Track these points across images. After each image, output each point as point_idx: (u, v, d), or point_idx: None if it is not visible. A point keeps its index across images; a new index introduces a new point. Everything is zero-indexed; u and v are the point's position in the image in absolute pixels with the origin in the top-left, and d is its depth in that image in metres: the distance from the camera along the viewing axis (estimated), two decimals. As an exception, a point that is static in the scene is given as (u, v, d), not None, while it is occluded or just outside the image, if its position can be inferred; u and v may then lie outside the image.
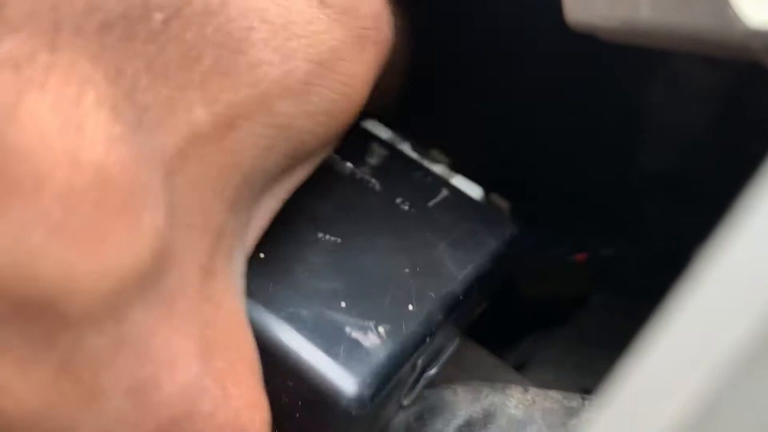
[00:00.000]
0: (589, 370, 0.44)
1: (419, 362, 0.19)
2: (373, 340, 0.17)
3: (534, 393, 0.24)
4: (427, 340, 0.18)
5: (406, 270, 0.19)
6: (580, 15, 0.11)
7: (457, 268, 0.20)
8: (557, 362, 0.46)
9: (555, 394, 0.24)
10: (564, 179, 0.27)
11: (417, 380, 0.21)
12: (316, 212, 0.19)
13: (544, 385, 0.27)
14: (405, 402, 0.20)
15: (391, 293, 0.18)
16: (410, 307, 0.18)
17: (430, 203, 0.21)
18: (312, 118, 0.16)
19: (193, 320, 0.15)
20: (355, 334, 0.17)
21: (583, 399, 0.24)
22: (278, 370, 0.17)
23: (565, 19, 0.12)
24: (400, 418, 0.21)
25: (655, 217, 0.36)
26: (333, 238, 0.19)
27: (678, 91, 0.22)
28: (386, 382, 0.17)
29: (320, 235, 0.19)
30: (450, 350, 0.22)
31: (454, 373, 0.36)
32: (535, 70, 0.23)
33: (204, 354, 0.15)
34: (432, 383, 0.21)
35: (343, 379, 0.16)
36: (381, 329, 0.17)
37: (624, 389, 0.07)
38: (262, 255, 0.18)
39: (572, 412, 0.23)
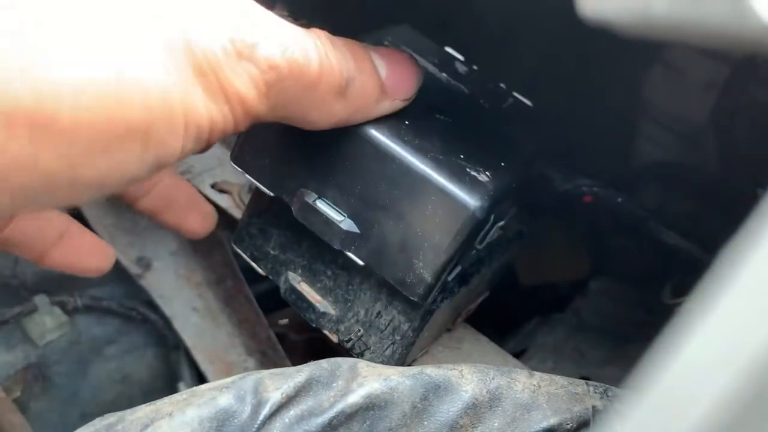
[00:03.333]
0: (588, 357, 0.45)
1: (492, 216, 0.27)
2: (483, 178, 0.26)
3: (539, 378, 0.24)
4: (511, 187, 0.27)
5: (494, 143, 0.29)
6: (593, 9, 0.11)
7: (523, 150, 0.30)
8: (556, 349, 0.46)
9: (560, 380, 0.25)
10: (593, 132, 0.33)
11: (491, 228, 0.28)
12: (431, 103, 0.28)
13: (543, 372, 0.27)
14: (479, 246, 0.28)
15: (488, 155, 0.27)
16: (502, 163, 0.27)
17: (504, 105, 0.32)
18: None
19: None
20: (473, 173, 0.26)
21: (588, 386, 0.24)
22: (424, 195, 0.25)
23: (578, 14, 0.12)
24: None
25: (652, 204, 0.36)
26: (446, 119, 0.28)
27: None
28: (492, 205, 0.26)
29: (438, 116, 0.28)
30: (510, 215, 0.30)
31: (454, 360, 0.36)
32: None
33: None
34: (495, 239, 0.30)
35: (471, 197, 0.25)
36: (487, 173, 0.26)
37: (656, 386, 0.07)
38: (407, 122, 0.27)
39: (577, 399, 0.23)
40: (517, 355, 0.46)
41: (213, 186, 0.41)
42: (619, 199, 0.32)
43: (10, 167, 0.17)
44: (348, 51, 0.23)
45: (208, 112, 0.19)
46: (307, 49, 0.21)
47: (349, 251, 0.28)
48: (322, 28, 0.23)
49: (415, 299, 0.27)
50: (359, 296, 0.30)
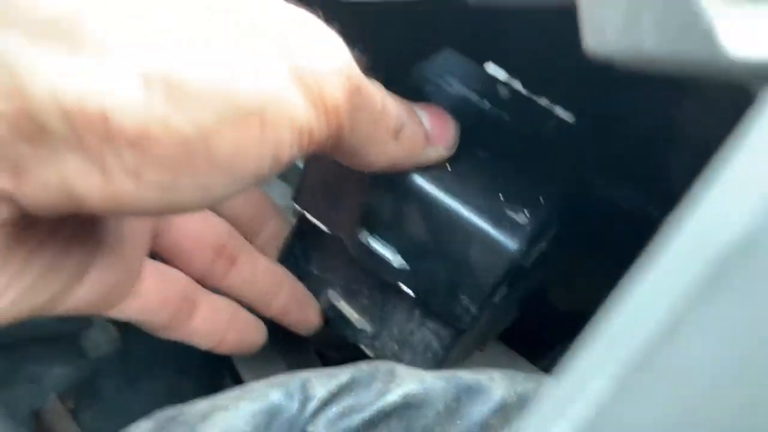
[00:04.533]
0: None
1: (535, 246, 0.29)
2: (522, 219, 0.27)
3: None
4: (550, 221, 0.29)
5: (534, 176, 0.30)
6: (596, 47, 0.14)
7: (564, 177, 0.31)
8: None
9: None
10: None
11: (532, 253, 0.30)
12: (472, 139, 0.29)
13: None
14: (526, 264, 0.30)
15: (528, 192, 0.29)
16: (541, 199, 0.29)
17: (544, 126, 0.32)
18: None
19: None
20: (511, 215, 0.28)
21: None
22: (466, 239, 0.27)
23: (584, 51, 0.14)
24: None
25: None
26: (486, 155, 0.30)
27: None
28: (532, 243, 0.28)
29: (479, 153, 0.30)
30: (549, 236, 0.31)
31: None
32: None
33: None
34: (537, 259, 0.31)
35: (510, 240, 0.27)
36: (526, 212, 0.28)
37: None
38: (449, 168, 0.28)
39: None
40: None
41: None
42: (653, 212, 0.33)
43: (150, 128, 0.18)
44: (398, 100, 0.26)
45: (308, 116, 0.21)
46: (373, 85, 0.24)
47: (401, 282, 0.30)
48: (369, 57, 0.25)
49: (461, 327, 0.30)
50: (394, 315, 0.32)
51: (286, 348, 0.49)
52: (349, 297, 0.34)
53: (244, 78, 0.19)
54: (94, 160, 0.18)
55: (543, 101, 0.34)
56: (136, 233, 0.28)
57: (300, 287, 0.37)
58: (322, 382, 0.25)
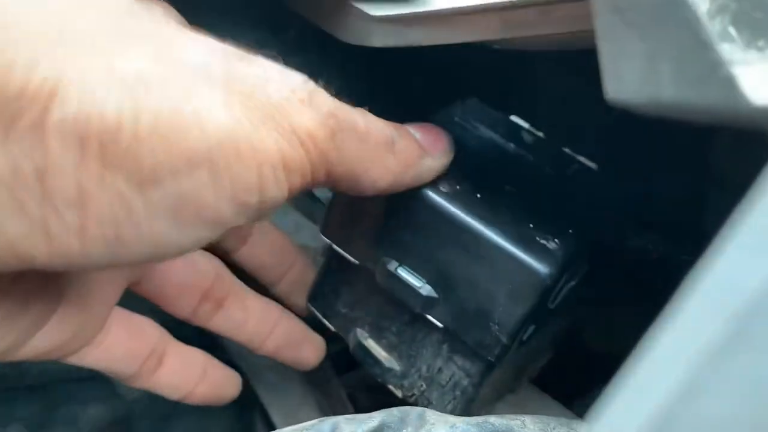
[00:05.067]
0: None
1: (564, 276, 0.29)
2: (552, 246, 0.28)
3: (597, 430, 0.25)
4: (579, 251, 0.29)
5: (561, 210, 0.30)
6: (616, 94, 0.14)
7: (590, 213, 0.31)
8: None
9: None
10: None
11: (562, 288, 0.30)
12: (499, 176, 0.31)
13: None
14: (551, 306, 0.30)
15: (556, 222, 0.29)
16: (569, 230, 0.29)
17: (568, 171, 0.34)
18: None
19: None
20: (542, 241, 0.28)
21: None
22: (497, 264, 0.27)
23: (605, 97, 0.14)
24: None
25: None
26: (514, 189, 0.30)
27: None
28: (562, 271, 0.28)
29: (507, 188, 0.30)
30: (580, 275, 0.31)
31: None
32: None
33: None
34: (567, 297, 0.31)
35: (541, 264, 0.27)
36: (556, 240, 0.28)
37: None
38: (478, 195, 0.29)
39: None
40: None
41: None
42: (684, 257, 0.33)
43: (87, 192, 0.17)
44: (383, 120, 0.25)
45: (280, 148, 0.20)
46: (351, 108, 0.23)
47: (429, 314, 0.30)
48: (393, 110, 0.25)
49: (492, 359, 0.29)
50: (421, 352, 0.32)
51: (318, 391, 0.49)
52: (377, 335, 0.34)
53: (180, 120, 0.18)
54: (35, 222, 0.18)
55: (566, 150, 0.35)
56: (104, 284, 0.28)
57: (297, 325, 0.37)
58: (351, 426, 0.25)
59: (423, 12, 0.24)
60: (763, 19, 0.12)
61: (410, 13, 0.24)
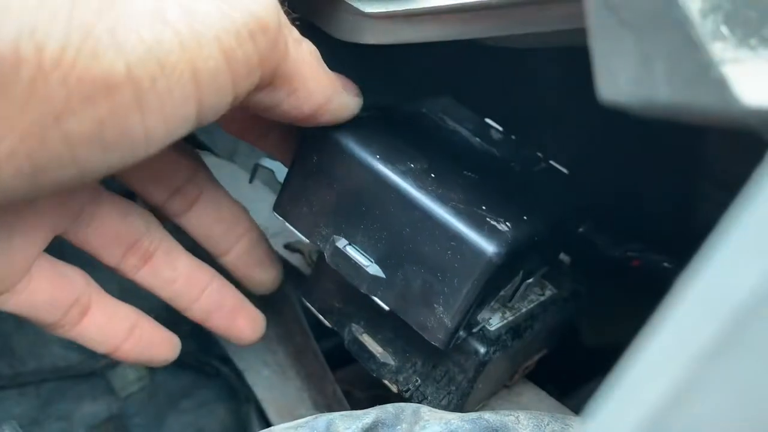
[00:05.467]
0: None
1: (521, 272, 0.29)
2: (503, 227, 0.27)
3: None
4: (533, 240, 0.28)
5: (518, 200, 0.30)
6: (610, 95, 0.14)
7: (548, 208, 0.31)
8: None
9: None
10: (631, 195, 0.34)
11: (519, 285, 0.30)
12: (459, 162, 0.31)
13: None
14: (509, 304, 0.30)
15: (511, 209, 0.29)
16: (524, 217, 0.29)
17: (534, 169, 0.34)
18: None
19: None
20: (492, 223, 0.27)
21: None
22: (444, 241, 0.27)
23: (598, 98, 0.14)
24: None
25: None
26: (473, 175, 0.30)
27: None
28: (510, 253, 0.27)
29: (465, 172, 0.30)
30: (541, 272, 0.31)
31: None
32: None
33: None
34: (526, 294, 0.31)
35: (489, 243, 0.26)
36: (507, 223, 0.27)
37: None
38: (432, 175, 0.29)
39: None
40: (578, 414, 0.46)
41: (286, 246, 0.44)
42: (666, 264, 0.33)
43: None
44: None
45: (223, 46, 0.20)
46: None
47: (376, 296, 0.30)
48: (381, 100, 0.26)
49: (437, 345, 0.28)
50: (416, 347, 0.32)
51: (313, 387, 0.49)
52: (372, 330, 0.34)
53: (101, 44, 0.17)
54: None
55: (539, 154, 0.35)
56: (27, 230, 0.28)
57: (231, 292, 0.36)
58: (346, 423, 0.25)
59: (416, 9, 0.24)
60: (755, 18, 0.12)
61: (404, 10, 0.24)
